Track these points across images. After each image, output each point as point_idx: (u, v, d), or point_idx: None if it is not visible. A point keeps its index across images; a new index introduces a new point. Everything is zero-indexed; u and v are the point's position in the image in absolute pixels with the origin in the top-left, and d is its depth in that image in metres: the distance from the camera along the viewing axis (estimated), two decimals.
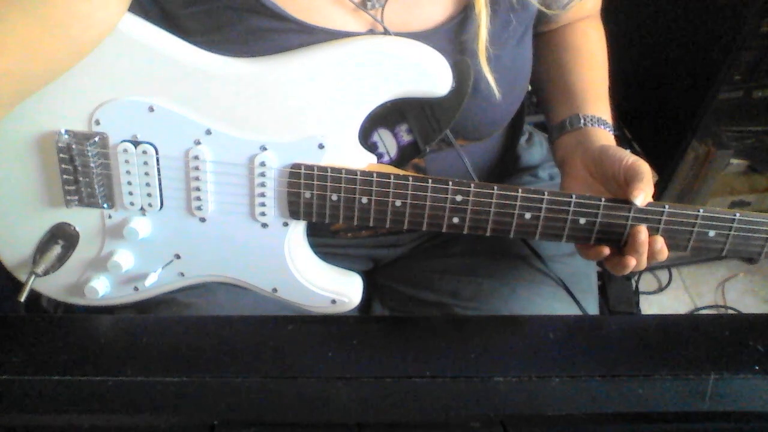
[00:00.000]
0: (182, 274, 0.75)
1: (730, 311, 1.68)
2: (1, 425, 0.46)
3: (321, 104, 0.65)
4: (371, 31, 0.66)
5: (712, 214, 0.64)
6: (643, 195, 0.62)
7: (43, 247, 0.74)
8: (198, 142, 0.67)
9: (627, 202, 0.63)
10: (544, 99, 0.83)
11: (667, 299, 1.72)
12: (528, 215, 0.65)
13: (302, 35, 0.65)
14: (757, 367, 0.48)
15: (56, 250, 0.74)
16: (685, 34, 1.32)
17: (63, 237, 0.74)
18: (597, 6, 0.83)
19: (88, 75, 0.65)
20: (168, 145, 0.67)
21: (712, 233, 0.65)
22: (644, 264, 0.65)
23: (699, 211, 0.64)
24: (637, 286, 1.70)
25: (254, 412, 0.47)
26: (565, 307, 0.78)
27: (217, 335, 0.56)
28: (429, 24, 0.67)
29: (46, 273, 0.73)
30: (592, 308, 0.81)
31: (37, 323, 0.57)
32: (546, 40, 0.82)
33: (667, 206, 0.64)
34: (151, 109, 0.65)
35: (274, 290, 0.75)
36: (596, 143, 0.71)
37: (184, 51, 0.65)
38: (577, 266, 0.82)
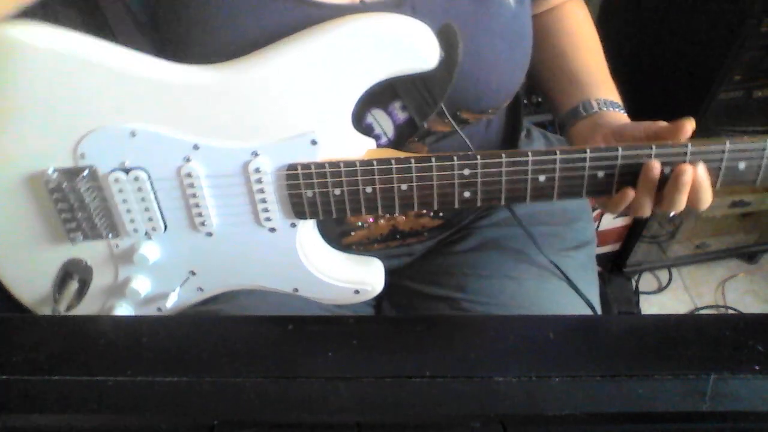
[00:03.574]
0: (201, 289, 0.75)
1: (730, 311, 1.68)
2: (1, 425, 0.46)
3: (305, 100, 0.63)
4: (362, 2, 0.64)
5: (740, 146, 0.61)
6: (689, 125, 0.62)
7: (60, 285, 0.75)
8: (188, 159, 0.65)
9: (646, 147, 0.61)
10: (548, 89, 0.82)
11: (667, 299, 1.72)
12: (542, 177, 0.63)
13: (288, 5, 0.62)
14: (757, 367, 0.48)
15: (73, 285, 0.74)
16: (685, 34, 1.32)
17: (77, 272, 0.74)
18: None
19: (63, 110, 0.63)
20: (158, 167, 0.66)
21: (742, 165, 0.62)
22: (679, 202, 0.63)
23: (726, 144, 0.61)
24: (637, 286, 1.70)
25: (254, 412, 0.47)
26: (570, 301, 0.79)
27: (217, 335, 0.56)
28: None
29: (68, 310, 0.74)
30: (595, 300, 0.82)
31: (37, 323, 0.57)
32: (537, 27, 0.81)
33: (689, 145, 0.61)
34: (133, 134, 0.64)
35: (295, 290, 0.75)
36: (615, 123, 0.71)
37: (155, 69, 0.63)
38: (580, 260, 0.82)
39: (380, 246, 0.80)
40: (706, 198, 0.63)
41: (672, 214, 0.65)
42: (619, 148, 0.61)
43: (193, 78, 0.63)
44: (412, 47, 0.61)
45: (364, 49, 0.61)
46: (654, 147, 0.62)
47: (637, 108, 1.51)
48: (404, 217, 0.79)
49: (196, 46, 0.64)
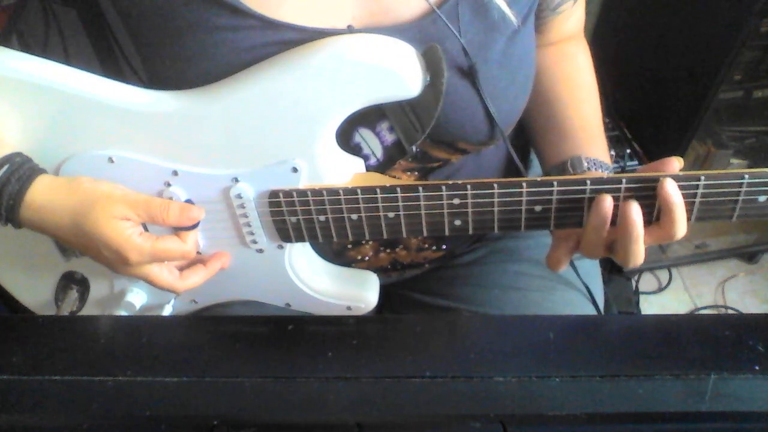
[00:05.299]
0: (195, 301, 0.76)
1: (730, 311, 1.68)
2: (1, 425, 0.46)
3: (283, 127, 0.60)
4: (350, 26, 0.61)
5: (760, 179, 0.56)
6: (676, 161, 0.58)
7: (60, 294, 0.76)
8: (168, 184, 0.64)
9: (652, 178, 0.57)
10: (537, 137, 0.78)
11: (667, 299, 1.72)
12: (538, 208, 0.59)
13: (265, 33, 0.59)
14: (757, 367, 0.48)
15: (73, 296, 0.76)
16: (685, 34, 1.32)
17: (75, 282, 0.76)
18: (582, 23, 0.80)
19: (42, 138, 0.63)
20: (140, 191, 0.65)
21: (762, 198, 0.57)
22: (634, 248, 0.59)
23: (744, 177, 0.56)
24: (637, 286, 1.70)
25: (254, 412, 0.47)
26: (575, 312, 0.78)
27: (218, 335, 0.56)
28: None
29: (71, 314, 0.75)
30: (599, 306, 0.82)
31: (37, 323, 0.57)
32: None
33: (702, 177, 0.56)
34: (111, 160, 0.63)
35: (287, 305, 0.74)
36: None
37: (127, 96, 0.62)
38: (585, 267, 0.82)
39: (381, 275, 0.78)
40: (680, 229, 0.58)
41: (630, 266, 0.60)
42: (623, 179, 0.57)
43: (166, 105, 0.61)
44: (392, 75, 0.57)
45: (343, 75, 0.57)
46: (661, 178, 0.57)
47: (637, 108, 1.51)
48: (406, 251, 0.78)
49: (175, 76, 0.62)
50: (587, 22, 0.82)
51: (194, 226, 0.66)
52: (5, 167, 0.60)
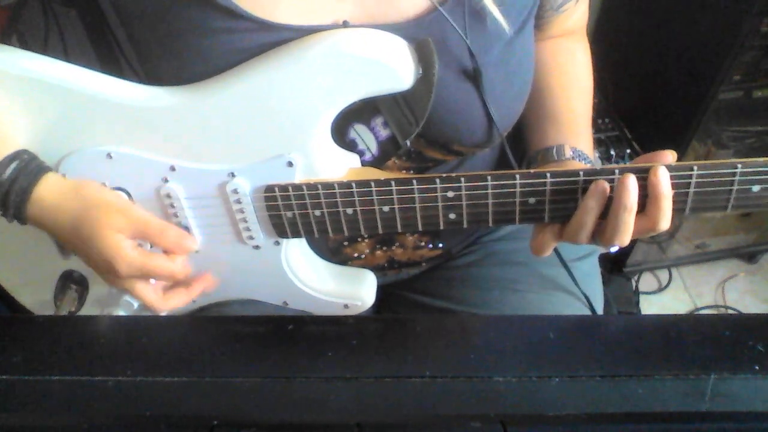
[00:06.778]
0: (193, 300, 0.75)
1: (730, 311, 1.68)
2: (1, 425, 0.46)
3: (278, 121, 0.61)
4: (345, 23, 0.61)
5: (753, 168, 0.56)
6: (670, 155, 0.58)
7: (60, 293, 0.77)
8: (165, 180, 0.65)
9: (643, 169, 0.57)
10: (526, 121, 0.78)
11: (667, 299, 1.72)
12: (532, 200, 0.60)
13: (261, 34, 0.59)
14: (757, 367, 0.48)
15: (72, 294, 0.76)
16: (685, 34, 1.32)
17: (74, 281, 0.76)
18: (584, 20, 0.80)
19: (44, 134, 0.64)
20: (138, 187, 0.66)
21: (756, 188, 0.57)
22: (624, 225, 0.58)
23: (737, 167, 0.56)
24: (637, 286, 1.70)
25: (254, 412, 0.47)
26: (574, 313, 0.78)
27: (217, 335, 0.56)
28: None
29: (70, 314, 0.76)
30: (599, 308, 0.82)
31: (37, 323, 0.57)
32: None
33: (695, 167, 0.57)
34: (109, 156, 0.64)
35: (285, 303, 0.75)
36: None
37: (128, 93, 0.62)
38: (585, 269, 0.82)
39: (378, 274, 0.78)
40: (665, 219, 0.58)
41: (614, 249, 0.61)
42: (616, 170, 0.58)
43: (163, 100, 0.62)
44: (385, 67, 0.57)
45: (336, 68, 0.57)
46: (653, 166, 0.57)
47: (637, 108, 1.51)
48: (401, 249, 0.78)
49: (171, 77, 0.62)
50: (587, 22, 0.82)
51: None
52: (15, 163, 0.62)
